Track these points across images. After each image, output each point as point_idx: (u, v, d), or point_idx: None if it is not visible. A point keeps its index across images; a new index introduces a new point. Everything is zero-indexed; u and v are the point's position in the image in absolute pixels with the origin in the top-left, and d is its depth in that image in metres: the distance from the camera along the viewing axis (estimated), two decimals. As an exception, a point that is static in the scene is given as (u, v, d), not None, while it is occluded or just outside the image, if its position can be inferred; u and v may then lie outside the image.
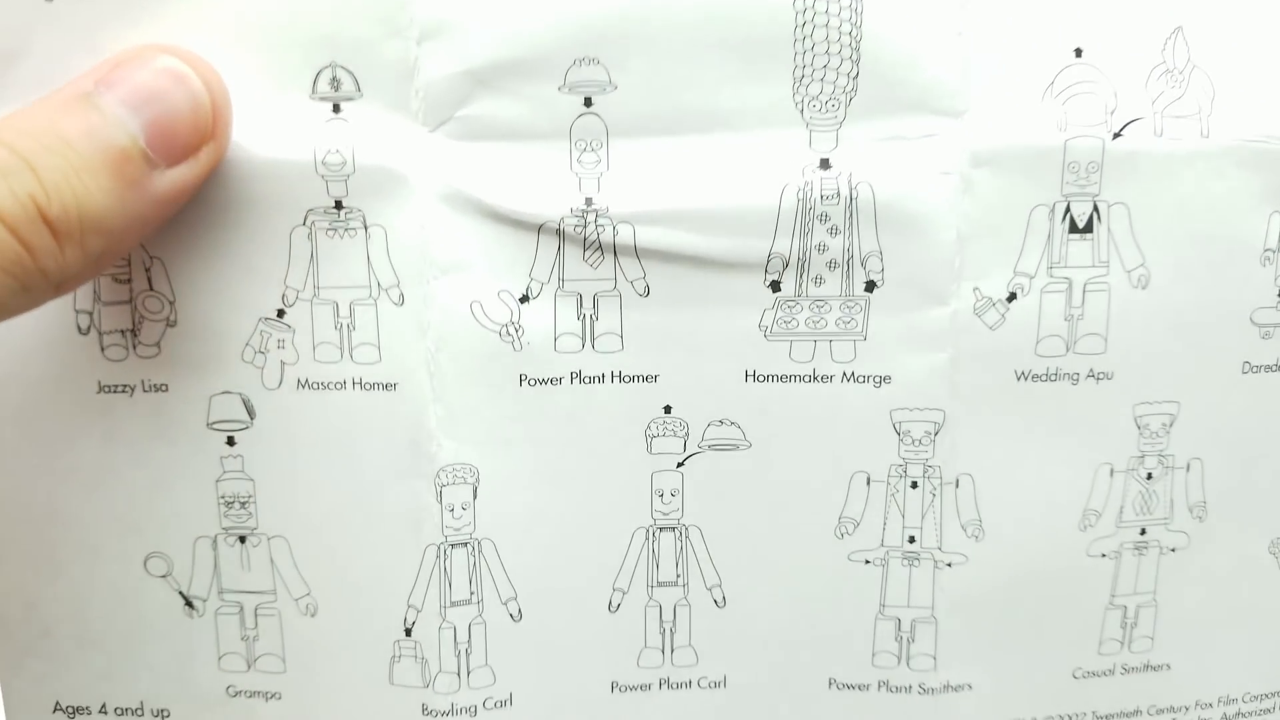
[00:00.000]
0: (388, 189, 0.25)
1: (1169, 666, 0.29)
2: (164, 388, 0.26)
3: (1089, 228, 0.26)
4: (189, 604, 0.27)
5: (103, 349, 0.26)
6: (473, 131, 0.25)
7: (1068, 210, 0.25)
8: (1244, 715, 0.30)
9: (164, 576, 0.27)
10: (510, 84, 0.24)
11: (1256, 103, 0.25)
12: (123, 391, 0.26)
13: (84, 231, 0.21)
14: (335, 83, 0.24)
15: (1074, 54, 0.25)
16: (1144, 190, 0.25)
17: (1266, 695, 0.30)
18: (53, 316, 0.25)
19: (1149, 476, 0.27)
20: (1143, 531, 0.28)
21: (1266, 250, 0.26)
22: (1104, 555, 0.28)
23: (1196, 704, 0.30)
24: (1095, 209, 0.25)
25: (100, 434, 0.26)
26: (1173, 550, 0.28)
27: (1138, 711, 0.29)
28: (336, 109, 0.24)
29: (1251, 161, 0.25)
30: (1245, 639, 0.29)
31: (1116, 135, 0.25)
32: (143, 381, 0.26)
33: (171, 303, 0.25)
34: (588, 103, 0.25)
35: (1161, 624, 0.29)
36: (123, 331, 0.26)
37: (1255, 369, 0.27)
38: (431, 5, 0.24)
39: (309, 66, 0.24)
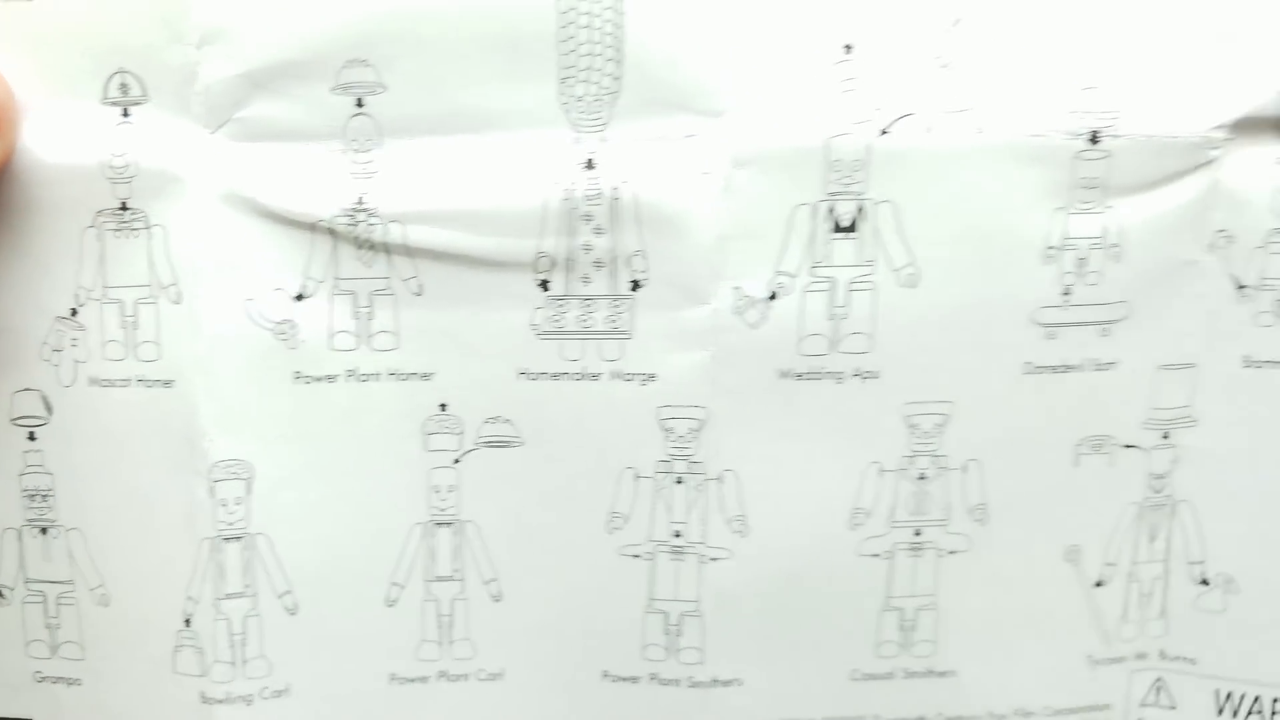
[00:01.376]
0: (169, 190, 0.25)
1: (956, 673, 0.29)
2: None
3: (853, 227, 0.26)
4: None
5: None
6: (251, 133, 0.25)
7: (831, 210, 0.26)
8: None
9: (-26, 566, 0.27)
10: (285, 86, 0.25)
11: (1036, 97, 0.25)
12: None
13: None
14: (124, 88, 0.25)
15: (844, 50, 0.25)
16: (913, 188, 0.25)
17: (1070, 711, 0.29)
18: None
19: (921, 477, 0.27)
20: (917, 533, 0.27)
21: (1049, 248, 0.26)
22: (876, 555, 0.27)
23: (989, 714, 0.29)
24: (860, 207, 0.26)
25: None
26: (952, 553, 0.28)
27: (923, 719, 0.29)
28: (126, 113, 0.25)
29: (1031, 157, 0.25)
30: (1042, 649, 0.29)
31: (884, 132, 0.25)
32: None
33: None
34: (359, 103, 0.25)
35: (944, 628, 0.28)
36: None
37: (1039, 369, 0.27)
38: (210, 11, 0.24)
39: (99, 73, 0.24)
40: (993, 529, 0.28)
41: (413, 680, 0.28)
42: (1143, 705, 0.30)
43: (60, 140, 0.25)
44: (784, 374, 0.26)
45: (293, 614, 0.27)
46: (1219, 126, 0.25)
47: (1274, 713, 0.29)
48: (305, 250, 0.26)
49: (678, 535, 0.27)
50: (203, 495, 0.26)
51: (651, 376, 0.26)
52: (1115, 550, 0.28)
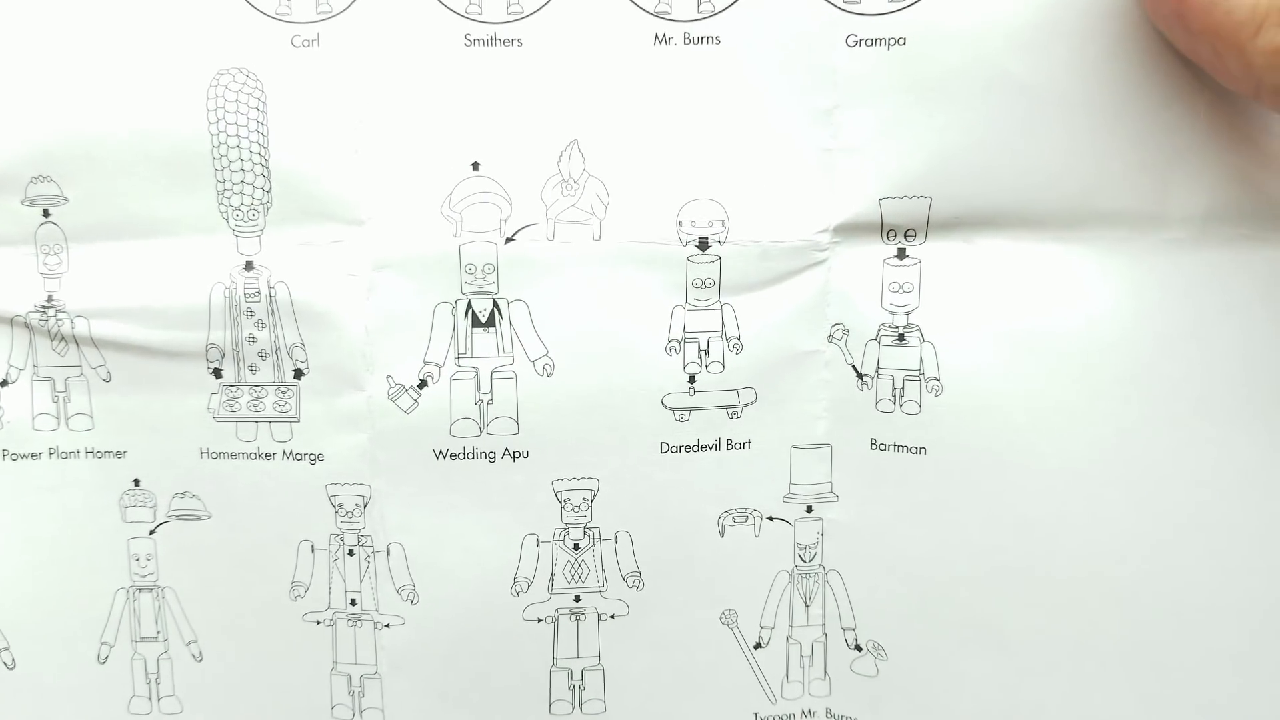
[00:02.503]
0: None
1: None
2: None
3: (491, 322, 0.27)
4: None
5: None
6: None
7: (469, 307, 0.27)
8: None
9: None
10: None
11: (647, 208, 0.27)
12: None
13: None
14: None
15: (471, 167, 0.27)
16: (540, 288, 0.27)
17: None
18: None
19: (576, 547, 0.29)
20: (577, 598, 0.29)
21: (671, 341, 0.28)
22: (540, 620, 0.29)
23: None
24: (496, 305, 0.27)
25: None
26: (612, 616, 0.29)
27: None
28: None
29: (646, 261, 0.27)
30: (710, 707, 0.30)
31: (509, 240, 0.27)
32: None
33: None
34: (46, 213, 0.27)
35: (613, 688, 0.30)
36: None
37: (674, 449, 0.28)
38: None
39: None
40: (649, 595, 0.29)
41: None
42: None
43: None
44: (439, 454, 0.28)
45: (10, 669, 0.30)
46: (823, 231, 0.27)
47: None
48: (6, 342, 0.28)
49: (354, 603, 0.29)
50: None
51: (320, 456, 0.28)
52: (771, 615, 0.30)
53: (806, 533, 0.29)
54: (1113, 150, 0.26)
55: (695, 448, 0.28)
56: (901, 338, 0.28)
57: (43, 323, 0.28)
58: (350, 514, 0.28)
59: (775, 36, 0.26)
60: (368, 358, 0.28)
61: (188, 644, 0.30)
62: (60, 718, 0.30)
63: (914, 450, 0.28)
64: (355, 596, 0.29)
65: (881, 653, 0.30)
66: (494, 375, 0.28)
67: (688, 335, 0.28)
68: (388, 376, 0.28)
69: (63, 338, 0.28)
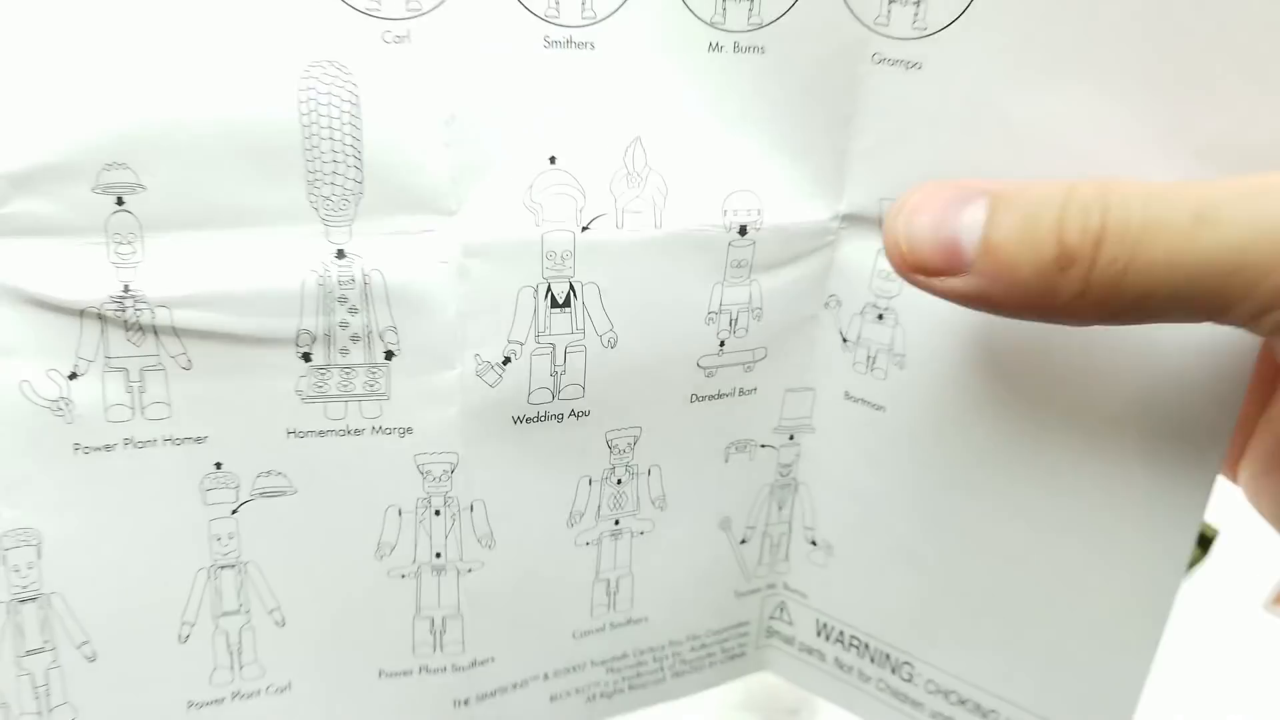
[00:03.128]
0: None
1: (647, 619, 0.37)
2: None
3: (567, 303, 0.31)
4: None
5: None
6: (15, 228, 0.26)
7: (549, 290, 0.31)
8: (705, 645, 0.38)
9: None
10: (45, 187, 0.26)
11: (699, 198, 0.31)
12: None
13: None
14: None
15: (549, 161, 0.29)
16: (610, 272, 0.31)
17: (720, 630, 0.39)
18: None
19: (619, 482, 0.34)
20: (616, 522, 0.35)
21: (710, 312, 0.33)
22: (588, 543, 0.34)
23: (669, 643, 0.37)
24: (571, 288, 0.31)
25: None
26: (641, 534, 0.35)
27: (624, 655, 0.37)
28: None
29: (696, 245, 0.31)
30: (704, 591, 0.37)
31: (585, 229, 0.30)
32: None
33: None
34: (119, 201, 0.26)
35: (638, 589, 0.36)
36: None
37: (700, 399, 0.34)
38: None
39: None
40: (669, 513, 0.35)
41: (209, 703, 0.31)
42: (770, 619, 0.40)
43: None
44: (517, 419, 0.32)
45: (92, 661, 0.30)
46: (834, 218, 0.33)
47: (849, 642, 0.38)
48: (75, 334, 0.27)
49: (438, 555, 0.32)
50: None
51: (409, 429, 0.30)
52: (755, 518, 0.37)
53: (787, 455, 0.36)
54: None
55: (716, 396, 0.34)
56: (880, 316, 0.34)
57: (119, 313, 0.27)
58: (438, 479, 0.31)
59: (811, 50, 0.30)
60: (458, 338, 0.30)
61: (270, 611, 0.31)
62: (143, 702, 0.31)
63: (876, 407, 0.35)
64: (440, 550, 0.32)
65: (830, 550, 0.38)
66: (568, 350, 0.31)
67: (723, 307, 0.33)
68: (475, 355, 0.30)
69: (140, 328, 0.28)
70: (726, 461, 0.35)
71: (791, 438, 0.36)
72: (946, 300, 0.26)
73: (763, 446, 0.36)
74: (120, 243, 0.27)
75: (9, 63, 0.25)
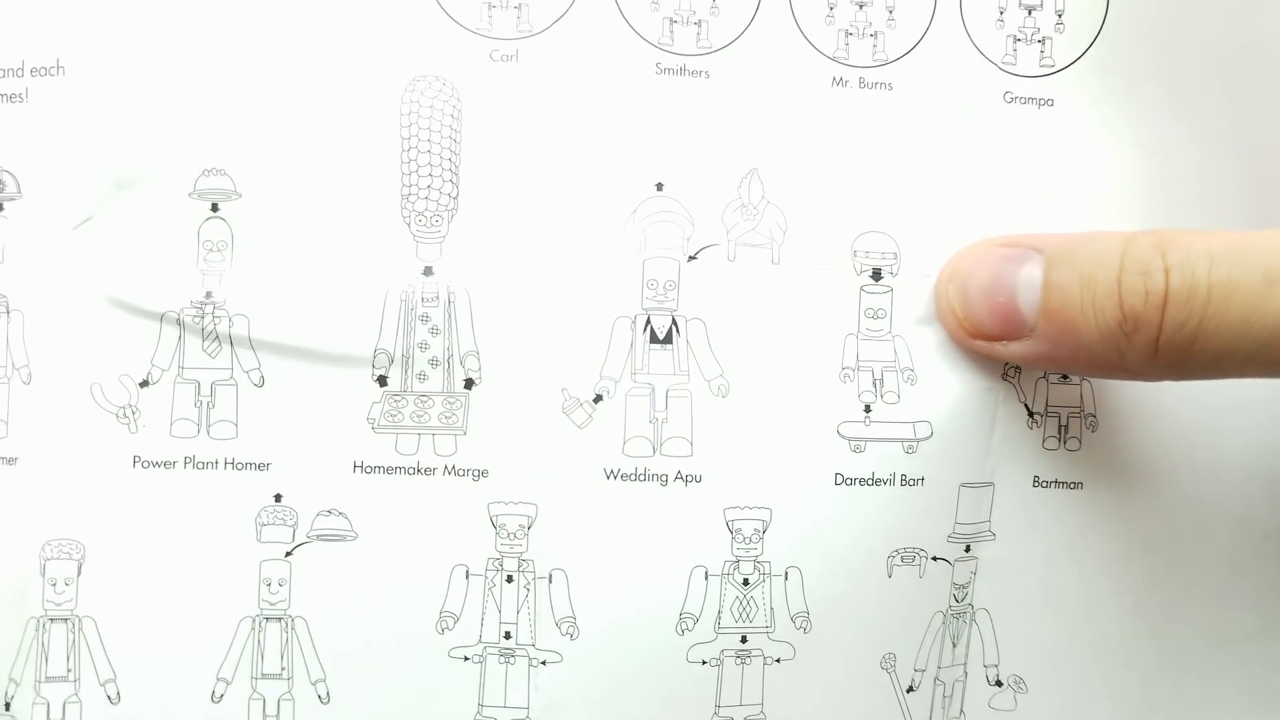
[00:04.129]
0: (32, 278, 0.26)
1: None
2: None
3: (669, 339, 0.27)
4: None
5: None
6: (110, 230, 0.26)
7: (648, 323, 0.27)
8: None
9: None
10: (144, 189, 0.26)
11: (823, 236, 0.27)
12: None
13: None
14: (0, 184, 0.26)
15: (655, 187, 0.27)
16: (719, 308, 0.27)
17: None
18: None
19: (745, 582, 0.27)
20: (744, 640, 0.27)
21: (845, 368, 0.27)
22: (704, 662, 0.27)
23: None
24: (674, 322, 0.27)
25: None
26: (777, 660, 0.28)
27: None
28: (0, 207, 0.26)
29: (821, 288, 0.27)
30: None
31: (691, 258, 0.27)
32: None
33: None
34: (214, 208, 0.26)
35: None
36: None
37: (849, 481, 0.27)
38: (78, 117, 0.26)
39: None
40: (815, 637, 0.28)
41: None
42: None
43: None
44: (610, 474, 0.27)
45: (115, 704, 0.26)
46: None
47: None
48: (152, 340, 0.26)
49: (508, 636, 0.27)
50: (33, 572, 0.26)
51: (484, 472, 0.26)
52: (924, 657, 0.28)
53: (962, 573, 0.28)
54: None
55: (870, 481, 0.27)
56: (1066, 375, 0.28)
57: (198, 320, 0.26)
58: (512, 535, 0.26)
59: (940, 88, 0.27)
60: (543, 369, 0.26)
61: (314, 683, 0.27)
62: None
63: (1072, 485, 0.28)
64: (510, 629, 0.27)
65: (1021, 685, 0.29)
66: (669, 393, 0.27)
67: (860, 364, 0.27)
68: (562, 389, 0.26)
69: (217, 337, 0.26)
70: (890, 576, 0.28)
71: (968, 549, 0.28)
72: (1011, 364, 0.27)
73: (935, 559, 0.28)
74: (210, 249, 0.26)
75: (118, 65, 0.26)
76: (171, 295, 0.26)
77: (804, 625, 0.28)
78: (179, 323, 0.26)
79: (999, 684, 0.29)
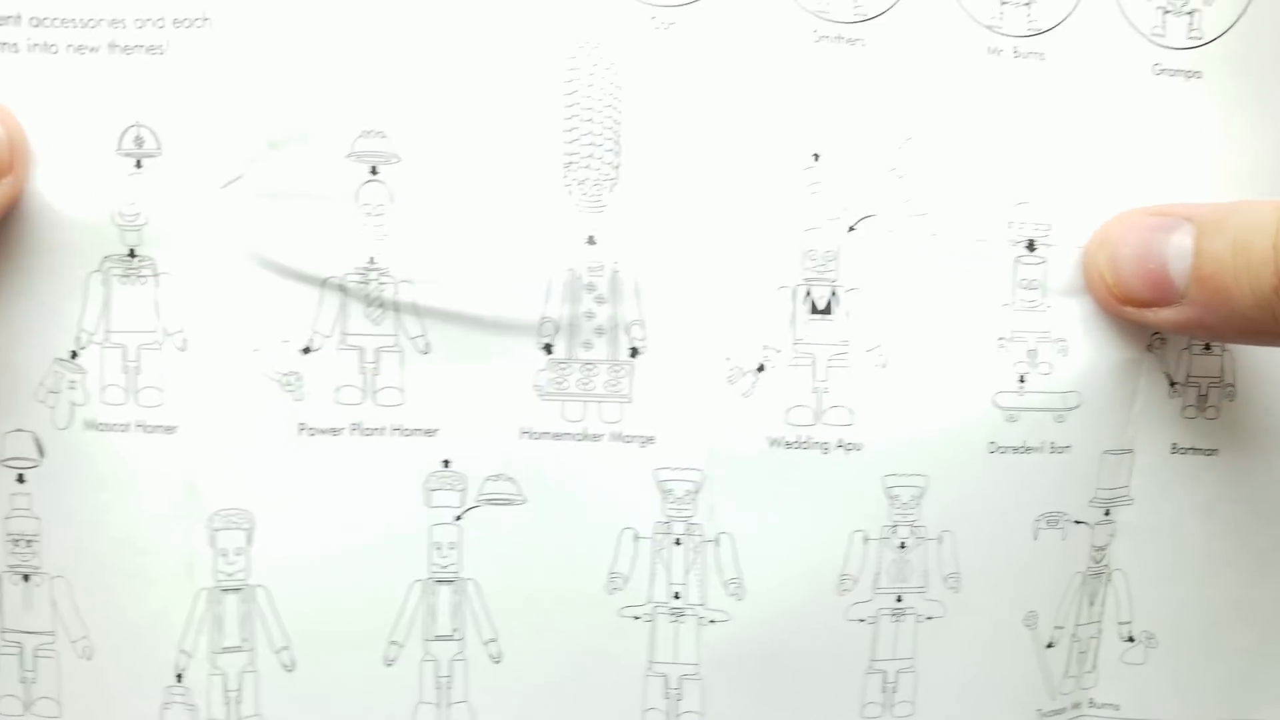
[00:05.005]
0: (178, 240, 0.25)
1: None
2: None
3: (829, 309, 0.27)
4: None
5: None
6: (262, 190, 0.25)
7: (808, 293, 0.27)
8: None
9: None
10: (300, 149, 0.25)
11: (979, 206, 0.27)
12: None
13: None
14: (139, 141, 0.25)
15: (813, 157, 0.27)
16: (878, 279, 0.27)
17: None
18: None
19: (902, 545, 0.28)
20: (899, 599, 0.28)
21: (1000, 338, 0.27)
22: (862, 620, 0.28)
23: None
24: (834, 293, 0.27)
25: None
26: (929, 618, 0.28)
27: None
28: (139, 164, 0.25)
29: (976, 258, 0.27)
30: (1002, 706, 0.29)
31: (851, 229, 0.27)
32: None
33: None
34: (374, 170, 0.26)
35: (921, 690, 0.28)
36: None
37: (1001, 449, 0.28)
38: (229, 72, 0.25)
39: (115, 124, 0.25)
40: (964, 596, 0.28)
41: None
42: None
43: (71, 186, 0.25)
44: (774, 442, 0.27)
45: (290, 671, 0.26)
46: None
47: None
48: (314, 305, 0.26)
49: (677, 597, 0.27)
50: (202, 544, 0.26)
51: (650, 439, 0.27)
52: (1063, 615, 0.29)
53: (1101, 535, 0.29)
54: None
55: (1022, 449, 0.28)
56: (1208, 345, 0.29)
57: (361, 286, 0.26)
58: (680, 500, 0.27)
59: (1091, 59, 0.27)
60: (707, 338, 0.26)
61: (486, 643, 0.27)
62: None
63: (1208, 452, 0.29)
64: (679, 589, 0.27)
65: (1153, 641, 0.30)
66: (830, 363, 0.27)
67: (1015, 334, 0.27)
68: (726, 358, 0.27)
69: (381, 304, 0.26)
70: (1035, 538, 0.28)
71: (1107, 513, 0.29)
72: (1158, 331, 0.27)
73: (1076, 523, 0.29)
74: (369, 213, 0.26)
75: (268, 19, 0.25)
76: (332, 260, 0.26)
77: (954, 585, 0.28)
78: (341, 288, 0.26)
79: (1130, 640, 0.30)
